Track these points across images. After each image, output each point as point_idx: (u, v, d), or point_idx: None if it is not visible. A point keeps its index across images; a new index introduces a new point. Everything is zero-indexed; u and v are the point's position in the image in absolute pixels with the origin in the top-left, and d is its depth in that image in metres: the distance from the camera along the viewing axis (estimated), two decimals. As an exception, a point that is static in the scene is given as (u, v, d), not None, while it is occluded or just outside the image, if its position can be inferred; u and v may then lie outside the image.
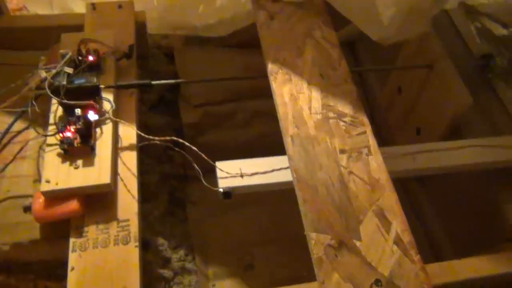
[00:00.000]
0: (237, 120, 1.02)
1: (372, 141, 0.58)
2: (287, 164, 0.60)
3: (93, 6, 0.93)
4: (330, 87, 0.64)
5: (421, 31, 0.77)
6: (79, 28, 0.91)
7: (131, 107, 0.79)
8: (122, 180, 0.71)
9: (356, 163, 0.56)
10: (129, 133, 0.75)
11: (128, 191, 0.70)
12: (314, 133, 0.58)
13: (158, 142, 0.67)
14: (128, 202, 0.69)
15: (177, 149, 0.68)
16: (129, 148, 0.74)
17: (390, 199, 0.53)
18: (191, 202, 0.94)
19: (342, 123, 0.60)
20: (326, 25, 0.71)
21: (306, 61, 0.66)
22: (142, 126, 0.91)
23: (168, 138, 0.66)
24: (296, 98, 0.62)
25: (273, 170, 0.62)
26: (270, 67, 0.65)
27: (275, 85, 0.63)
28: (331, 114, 0.60)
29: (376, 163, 0.56)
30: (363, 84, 1.12)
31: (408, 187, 0.92)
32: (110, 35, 0.83)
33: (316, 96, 0.62)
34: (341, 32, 1.06)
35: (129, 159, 0.73)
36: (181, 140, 0.64)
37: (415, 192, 0.91)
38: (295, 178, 0.55)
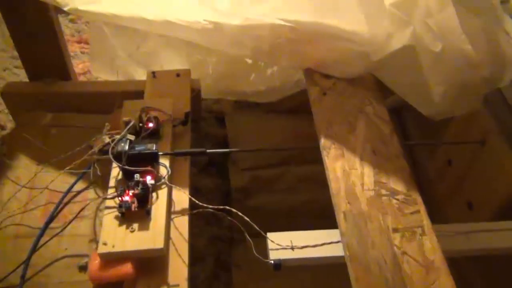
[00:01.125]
0: (284, 185, 1.04)
1: (426, 221, 0.58)
2: (337, 238, 0.61)
3: (154, 74, 1.00)
4: (382, 163, 0.65)
5: (473, 108, 0.78)
6: (139, 93, 0.98)
7: (184, 172, 0.82)
8: (174, 245, 0.73)
9: (409, 243, 0.56)
10: (182, 197, 0.78)
11: (179, 255, 0.71)
12: (366, 210, 0.59)
13: (207, 211, 0.69)
14: (178, 267, 0.70)
15: (229, 217, 0.69)
16: (182, 212, 0.76)
17: (446, 283, 0.52)
18: (236, 265, 0.94)
19: (395, 201, 0.60)
20: (377, 101, 0.73)
21: (358, 136, 0.68)
22: (193, 188, 0.95)
23: (221, 207, 0.68)
24: (349, 173, 0.63)
25: (323, 244, 0.63)
26: (323, 142, 0.67)
27: (328, 161, 0.65)
28: (383, 191, 0.61)
29: (430, 244, 0.56)
30: (411, 153, 1.12)
31: (460, 263, 0.90)
32: (169, 103, 0.88)
33: (368, 172, 0.64)
34: (388, 100, 1.08)
35: (181, 224, 0.75)
36: (234, 210, 0.66)
37: (467, 269, 0.88)
38: (347, 254, 0.56)
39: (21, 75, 1.31)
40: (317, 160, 1.07)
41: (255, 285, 0.94)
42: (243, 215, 0.65)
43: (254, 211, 1.00)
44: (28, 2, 0.87)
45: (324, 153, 0.66)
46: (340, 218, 0.59)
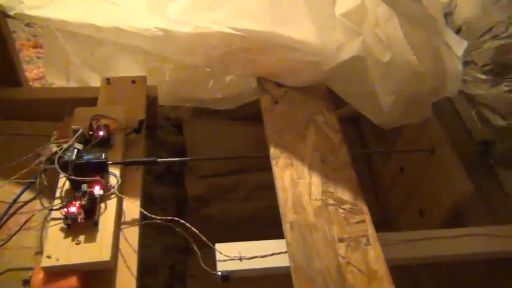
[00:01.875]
0: (241, 192, 1.03)
1: (371, 230, 0.59)
2: (285, 249, 0.61)
3: (108, 81, 0.98)
4: (330, 172, 0.65)
5: (422, 117, 0.80)
6: (93, 100, 0.95)
7: (136, 181, 0.80)
8: (123, 256, 0.71)
9: (354, 253, 0.56)
10: (133, 208, 0.76)
11: (128, 267, 0.70)
12: (313, 220, 0.59)
13: (159, 222, 0.68)
14: (127, 279, 0.68)
15: (177, 228, 0.68)
16: (132, 223, 0.75)
17: (387, 292, 0.52)
18: (191, 275, 0.93)
19: (341, 211, 0.60)
20: (328, 110, 0.74)
21: (308, 145, 0.68)
22: (147, 197, 0.93)
23: (169, 218, 0.67)
24: (297, 183, 0.63)
25: (272, 254, 0.62)
26: (273, 151, 0.67)
27: (276, 170, 0.65)
28: (330, 201, 0.61)
29: (374, 254, 0.56)
30: (368, 161, 1.14)
31: (413, 270, 0.91)
32: (121, 110, 0.86)
33: (316, 181, 0.64)
34: (345, 108, 1.09)
35: (131, 235, 0.73)
36: (182, 221, 0.65)
37: (419, 276, 0.90)
38: (292, 265, 0.56)
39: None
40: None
41: (211, 295, 0.93)
42: (190, 226, 0.64)
43: (210, 220, 1.00)
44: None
45: (273, 162, 0.66)
46: (286, 228, 0.59)
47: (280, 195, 0.62)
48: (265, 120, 0.72)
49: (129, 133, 0.85)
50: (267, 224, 0.96)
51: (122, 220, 0.75)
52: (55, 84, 1.19)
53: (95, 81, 1.09)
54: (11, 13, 0.79)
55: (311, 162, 0.66)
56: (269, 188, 1.04)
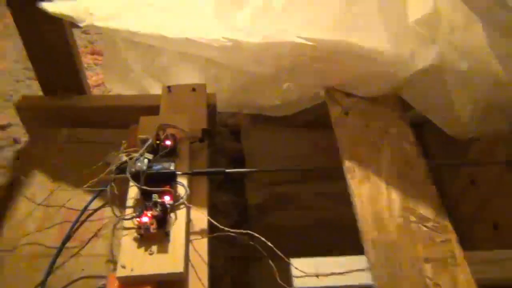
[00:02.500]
0: (302, 201, 1.02)
1: (458, 250, 0.56)
2: (364, 266, 0.59)
3: (169, 89, 0.98)
4: (409, 187, 0.63)
5: (499, 128, 0.76)
6: (154, 108, 0.96)
7: (203, 191, 0.80)
8: (194, 267, 0.71)
9: (441, 274, 0.54)
10: (200, 217, 0.76)
11: (199, 279, 0.70)
12: (396, 238, 0.57)
13: (232, 234, 0.67)
14: (197, 290, 0.68)
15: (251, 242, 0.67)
16: (201, 233, 0.75)
17: (481, 318, 0.50)
18: (255, 286, 0.92)
19: (424, 229, 0.58)
20: (402, 122, 0.72)
21: (383, 159, 0.66)
22: (210, 205, 0.93)
23: (244, 231, 0.66)
24: (375, 199, 0.61)
25: (351, 271, 0.61)
26: (347, 164, 0.65)
27: (353, 184, 0.63)
28: (412, 218, 0.59)
29: (463, 275, 0.54)
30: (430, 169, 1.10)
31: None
32: (186, 119, 0.87)
33: (395, 197, 0.62)
34: (407, 114, 1.06)
35: (201, 246, 0.73)
36: (256, 235, 0.64)
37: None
38: (377, 287, 0.54)
39: (34, 87, 1.31)
40: (333, 177, 1.05)
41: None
42: (265, 240, 0.63)
43: (272, 228, 0.99)
44: (44, 17, 0.86)
45: (348, 176, 0.64)
46: (368, 246, 0.57)
47: (359, 211, 0.60)
48: (336, 132, 0.70)
49: (193, 141, 0.86)
50: (330, 233, 0.96)
51: (191, 230, 0.75)
52: (114, 91, 1.22)
53: (154, 89, 1.11)
54: (82, 24, 0.80)
55: (388, 176, 0.64)
56: (330, 196, 1.04)
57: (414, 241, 0.57)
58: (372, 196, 0.62)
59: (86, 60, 1.37)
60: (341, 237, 0.96)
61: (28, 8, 0.84)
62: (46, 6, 0.80)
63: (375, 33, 0.71)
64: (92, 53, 1.37)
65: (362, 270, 0.60)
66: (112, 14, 0.80)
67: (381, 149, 0.68)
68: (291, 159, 1.07)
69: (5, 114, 1.20)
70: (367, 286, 0.58)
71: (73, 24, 0.92)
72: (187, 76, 1.08)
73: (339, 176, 1.00)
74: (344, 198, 0.99)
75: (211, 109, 0.99)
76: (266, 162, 1.07)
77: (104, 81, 1.18)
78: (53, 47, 0.92)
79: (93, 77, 1.30)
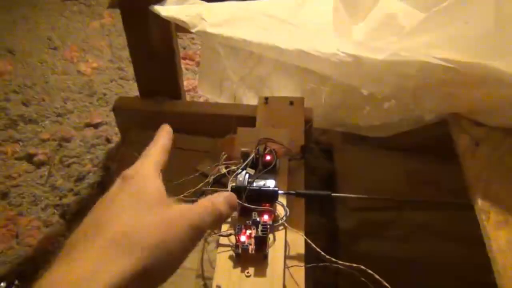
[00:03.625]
0: (397, 231, 0.94)
1: None
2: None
3: (266, 100, 0.95)
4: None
5: None
6: (250, 119, 0.93)
7: (300, 213, 0.76)
8: (289, 295, 0.66)
9: None
10: (296, 240, 0.71)
11: (296, 308, 0.65)
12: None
13: (341, 267, 0.62)
14: (294, 321, 0.64)
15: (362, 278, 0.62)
16: (298, 259, 0.70)
17: None
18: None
19: None
20: (542, 158, 0.63)
21: (523, 200, 0.58)
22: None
23: (349, 264, 0.61)
24: (516, 247, 0.54)
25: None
26: (480, 204, 0.58)
27: (488, 227, 0.56)
28: (562, 275, 0.51)
29: None
30: None
31: None
32: (287, 134, 0.83)
33: (539, 247, 0.54)
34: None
35: (297, 273, 0.68)
36: (370, 271, 0.59)
37: None
38: None
39: (126, 87, 1.33)
40: (433, 207, 0.97)
41: None
42: (379, 277, 0.57)
43: (362, 257, 0.93)
44: (153, 20, 0.86)
45: (482, 217, 0.57)
46: (508, 303, 0.49)
47: (498, 259, 0.53)
48: (465, 165, 0.63)
49: (292, 158, 0.82)
50: (428, 271, 0.88)
51: (287, 253, 0.71)
52: (204, 97, 1.21)
53: (248, 99, 1.08)
54: (194, 30, 0.78)
55: (530, 221, 0.56)
56: (428, 230, 0.95)
57: None
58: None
59: (178, 64, 1.37)
60: (440, 277, 0.88)
61: (139, 10, 0.84)
62: (159, 10, 0.80)
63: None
64: (184, 58, 1.38)
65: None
66: (223, 21, 0.78)
67: (518, 188, 0.60)
68: (386, 184, 0.99)
69: (98, 113, 1.22)
70: None
71: (178, 29, 0.92)
72: (283, 88, 1.05)
73: (444, 207, 0.93)
74: (449, 234, 0.91)
75: (310, 125, 0.95)
76: (359, 185, 1.00)
77: (198, 87, 1.17)
78: (158, 51, 0.91)
79: (184, 82, 1.30)
